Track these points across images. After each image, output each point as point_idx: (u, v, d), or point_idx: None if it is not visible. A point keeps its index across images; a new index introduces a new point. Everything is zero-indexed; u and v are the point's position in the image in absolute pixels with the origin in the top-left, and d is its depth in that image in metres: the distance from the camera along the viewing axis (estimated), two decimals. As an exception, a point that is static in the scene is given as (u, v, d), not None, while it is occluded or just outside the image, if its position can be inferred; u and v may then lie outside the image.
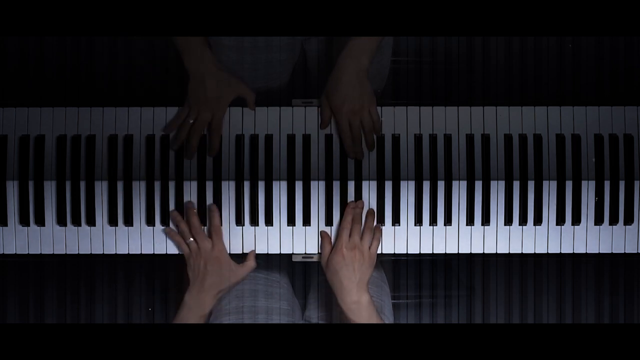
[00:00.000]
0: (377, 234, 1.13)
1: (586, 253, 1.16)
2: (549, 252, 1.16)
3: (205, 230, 1.14)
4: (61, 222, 1.15)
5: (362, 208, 1.14)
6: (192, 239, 1.11)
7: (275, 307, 1.24)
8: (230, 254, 1.14)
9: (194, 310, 1.10)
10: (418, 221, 1.16)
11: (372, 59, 1.10)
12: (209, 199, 1.14)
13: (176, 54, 1.13)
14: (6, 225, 1.15)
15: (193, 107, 1.12)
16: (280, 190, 1.15)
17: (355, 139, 1.13)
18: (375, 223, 1.15)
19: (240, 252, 1.16)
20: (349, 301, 1.08)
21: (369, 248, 1.11)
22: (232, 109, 1.16)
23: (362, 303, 1.08)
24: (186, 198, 1.14)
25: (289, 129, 1.16)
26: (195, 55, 1.11)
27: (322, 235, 1.14)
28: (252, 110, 1.16)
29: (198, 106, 1.11)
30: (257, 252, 1.16)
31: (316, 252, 1.16)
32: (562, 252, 1.16)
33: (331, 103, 1.11)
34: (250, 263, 1.14)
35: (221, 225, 1.13)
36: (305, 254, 1.16)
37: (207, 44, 1.13)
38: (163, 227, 1.15)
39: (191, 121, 1.12)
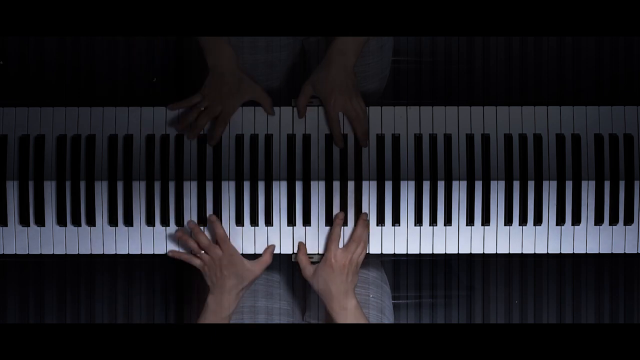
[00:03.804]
0: (361, 244, 1.13)
1: (586, 253, 1.16)
2: (549, 252, 1.16)
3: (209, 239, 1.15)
4: (61, 222, 1.15)
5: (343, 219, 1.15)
6: (203, 251, 1.13)
7: (275, 308, 1.24)
8: (242, 254, 1.15)
9: (218, 312, 1.12)
10: (418, 221, 1.16)
11: (359, 54, 1.14)
12: (209, 199, 1.14)
13: (198, 52, 1.14)
14: (6, 225, 1.15)
15: (206, 98, 1.13)
16: (280, 190, 1.15)
17: (356, 121, 1.13)
18: (363, 227, 1.14)
19: (240, 252, 1.16)
20: (337, 307, 1.11)
21: (358, 256, 1.13)
22: (232, 109, 1.16)
23: (349, 309, 1.11)
24: (186, 198, 1.14)
25: (289, 129, 1.16)
26: (218, 53, 1.13)
27: (299, 246, 1.15)
28: (271, 114, 1.16)
29: (212, 98, 1.13)
30: (256, 252, 1.16)
31: (316, 252, 1.16)
32: (562, 252, 1.16)
33: (319, 94, 1.14)
34: (266, 258, 1.14)
35: (223, 230, 1.14)
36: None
37: (229, 43, 1.15)
38: (168, 251, 1.15)
39: (202, 109, 1.13)
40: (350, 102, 1.13)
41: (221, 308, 1.12)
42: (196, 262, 1.14)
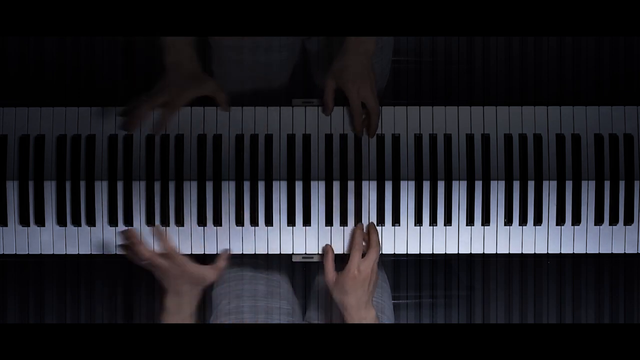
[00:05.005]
0: (375, 252, 1.11)
1: (586, 253, 1.16)
2: (549, 252, 1.16)
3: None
4: (61, 222, 1.15)
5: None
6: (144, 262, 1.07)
7: (275, 307, 1.24)
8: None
9: (178, 313, 1.08)
10: (418, 221, 1.16)
11: (376, 42, 1.13)
12: (209, 199, 1.14)
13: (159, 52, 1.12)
14: (6, 225, 1.15)
15: (153, 91, 1.10)
16: (280, 190, 1.15)
17: (375, 111, 1.12)
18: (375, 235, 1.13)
19: (241, 252, 1.16)
20: (356, 319, 1.09)
21: (376, 264, 1.11)
22: (233, 109, 1.16)
23: (368, 320, 1.09)
24: (186, 198, 1.14)
25: (289, 129, 1.16)
26: (177, 52, 1.10)
27: (327, 250, 1.13)
28: (225, 111, 1.14)
29: (159, 90, 1.09)
30: (257, 252, 1.16)
31: (316, 252, 1.16)
32: (562, 252, 1.16)
33: (342, 82, 1.11)
34: (220, 264, 1.11)
35: (170, 245, 1.09)
36: (306, 254, 1.16)
37: (192, 44, 1.13)
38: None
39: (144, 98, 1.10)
40: (372, 89, 1.11)
41: (181, 308, 1.08)
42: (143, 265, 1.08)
